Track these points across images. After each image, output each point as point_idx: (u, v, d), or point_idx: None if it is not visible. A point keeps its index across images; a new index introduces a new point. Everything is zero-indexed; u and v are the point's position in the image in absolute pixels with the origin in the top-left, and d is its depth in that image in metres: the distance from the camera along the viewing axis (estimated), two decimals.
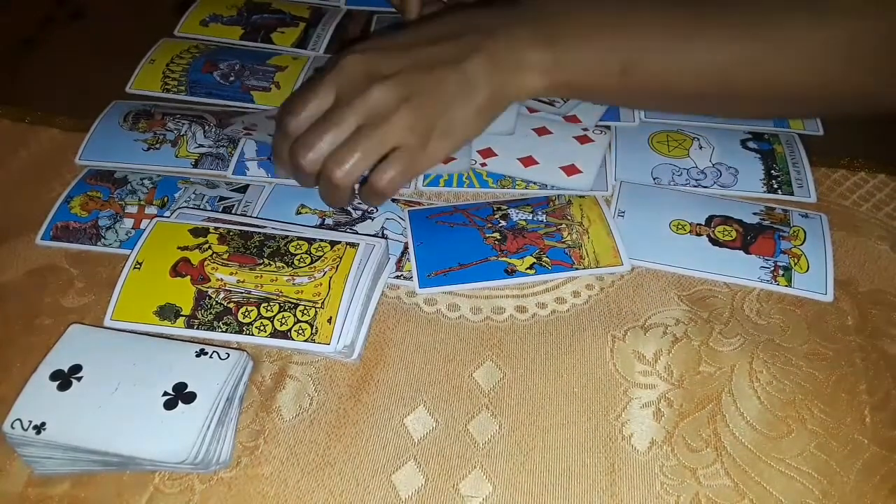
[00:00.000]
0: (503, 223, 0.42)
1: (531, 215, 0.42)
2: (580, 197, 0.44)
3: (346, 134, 0.37)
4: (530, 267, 0.40)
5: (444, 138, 0.38)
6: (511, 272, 0.39)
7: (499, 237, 0.41)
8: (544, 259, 0.40)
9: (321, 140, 0.37)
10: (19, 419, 0.31)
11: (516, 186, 0.45)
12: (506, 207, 0.43)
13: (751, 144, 0.47)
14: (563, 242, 0.41)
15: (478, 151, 0.46)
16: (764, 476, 0.32)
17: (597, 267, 0.40)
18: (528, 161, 0.45)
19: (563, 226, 0.42)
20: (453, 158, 0.45)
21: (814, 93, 0.39)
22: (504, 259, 0.40)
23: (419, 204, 0.44)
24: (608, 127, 0.48)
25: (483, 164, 0.46)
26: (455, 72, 0.38)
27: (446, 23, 0.40)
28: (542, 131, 0.47)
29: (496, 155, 0.46)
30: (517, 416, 0.35)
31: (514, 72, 0.39)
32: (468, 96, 0.38)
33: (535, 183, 0.45)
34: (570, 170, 0.45)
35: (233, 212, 0.43)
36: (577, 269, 0.40)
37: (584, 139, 0.47)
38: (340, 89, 0.38)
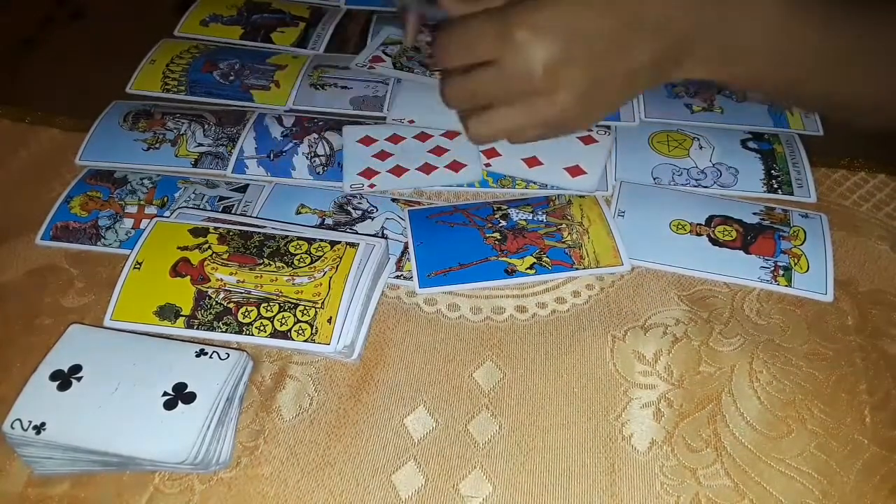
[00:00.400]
0: (503, 223, 0.42)
1: (531, 215, 0.42)
2: (580, 197, 0.44)
3: (487, 100, 0.39)
4: (530, 267, 0.40)
5: (583, 119, 0.41)
6: (511, 272, 0.39)
7: (499, 237, 0.41)
8: (544, 259, 0.40)
9: (465, 91, 0.40)
10: (19, 419, 0.31)
11: (516, 186, 0.45)
12: (506, 207, 0.43)
13: (751, 144, 0.47)
14: (564, 242, 0.41)
15: (482, 152, 0.46)
16: (764, 476, 0.32)
17: (597, 267, 0.40)
18: (532, 161, 0.45)
19: (564, 226, 0.42)
20: (464, 165, 0.45)
21: None
22: (504, 259, 0.40)
23: (419, 204, 0.44)
24: (608, 127, 0.48)
25: (487, 165, 0.46)
26: (630, 61, 0.38)
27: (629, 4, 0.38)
28: None
29: (500, 155, 0.46)
30: (517, 417, 0.35)
31: (677, 66, 0.39)
32: (633, 83, 0.40)
33: (535, 183, 0.45)
34: (575, 171, 0.45)
35: (233, 212, 0.43)
36: (577, 269, 0.40)
37: (588, 140, 0.47)
38: (504, 58, 0.38)
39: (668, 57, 0.38)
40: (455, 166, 0.45)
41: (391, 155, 0.46)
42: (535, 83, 0.37)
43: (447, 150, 0.46)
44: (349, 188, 0.44)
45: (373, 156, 0.46)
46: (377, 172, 0.45)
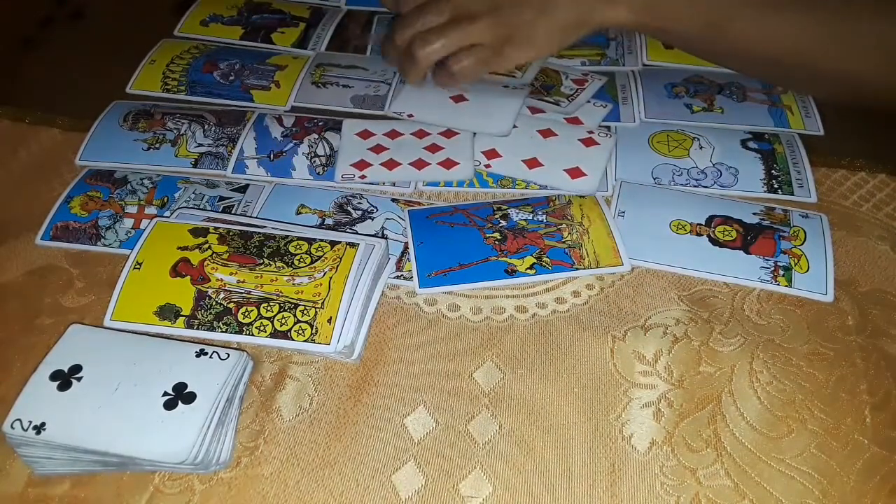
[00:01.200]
0: (503, 223, 0.42)
1: (531, 215, 0.42)
2: (580, 197, 0.44)
3: (437, 22, 0.45)
4: (530, 267, 0.40)
5: (520, 47, 0.44)
6: (511, 272, 0.39)
7: (499, 237, 0.41)
8: (544, 259, 0.40)
9: (416, 20, 0.45)
10: (19, 419, 0.31)
11: (516, 186, 0.45)
12: (506, 207, 0.43)
13: (751, 144, 0.47)
14: (564, 242, 0.41)
15: (482, 152, 0.46)
16: (764, 476, 0.32)
17: (597, 267, 0.40)
18: (532, 163, 0.45)
19: (564, 226, 0.42)
20: (456, 164, 0.45)
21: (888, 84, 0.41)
22: (504, 259, 0.40)
23: (419, 204, 0.44)
24: (608, 127, 0.48)
25: (487, 166, 0.46)
26: None
27: None
28: (546, 133, 0.47)
29: (500, 156, 0.46)
30: (517, 417, 0.35)
31: (600, 4, 0.43)
32: (552, 14, 0.43)
33: (535, 184, 0.45)
34: (575, 172, 0.45)
35: (233, 212, 0.43)
36: (577, 269, 0.39)
37: (589, 142, 0.47)
38: None
39: None
40: (447, 164, 0.45)
41: (386, 149, 0.46)
42: None
43: (442, 148, 0.46)
44: (340, 177, 0.45)
45: (369, 149, 0.46)
46: (370, 164, 0.45)
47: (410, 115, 0.49)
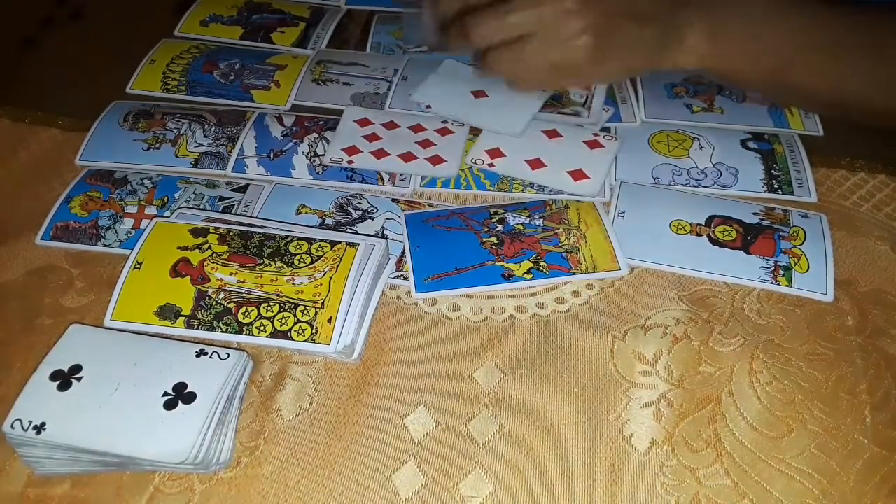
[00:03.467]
0: (500, 227, 0.42)
1: (528, 219, 0.42)
2: (577, 201, 0.44)
3: (519, 32, 0.40)
4: (527, 272, 0.40)
5: (598, 65, 0.42)
6: (508, 277, 0.39)
7: (496, 241, 0.41)
8: (541, 263, 0.40)
9: (500, 25, 0.41)
10: (19, 419, 0.31)
11: (513, 189, 0.45)
12: (503, 211, 0.43)
13: (751, 144, 0.47)
14: (561, 247, 0.41)
15: (486, 151, 0.46)
16: (764, 476, 0.32)
17: (594, 272, 0.40)
18: (535, 163, 0.45)
19: (561, 230, 0.42)
20: (443, 161, 0.45)
21: None
22: (501, 264, 0.40)
23: (419, 205, 0.44)
24: (609, 129, 0.48)
25: (491, 165, 0.46)
26: (632, 29, 0.41)
27: None
28: (552, 134, 0.47)
29: (504, 155, 0.46)
30: (517, 416, 0.35)
31: (673, 49, 0.42)
32: (629, 55, 0.42)
33: (533, 187, 0.45)
34: (578, 174, 0.45)
35: (233, 212, 0.43)
36: (574, 273, 0.39)
37: (594, 144, 0.46)
38: None
39: (665, 35, 0.41)
40: (435, 160, 0.45)
41: (380, 139, 0.47)
42: (566, 9, 0.39)
43: (434, 145, 0.47)
44: (328, 160, 0.45)
45: (363, 136, 0.47)
46: (360, 151, 0.46)
47: (428, 107, 0.49)
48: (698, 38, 0.42)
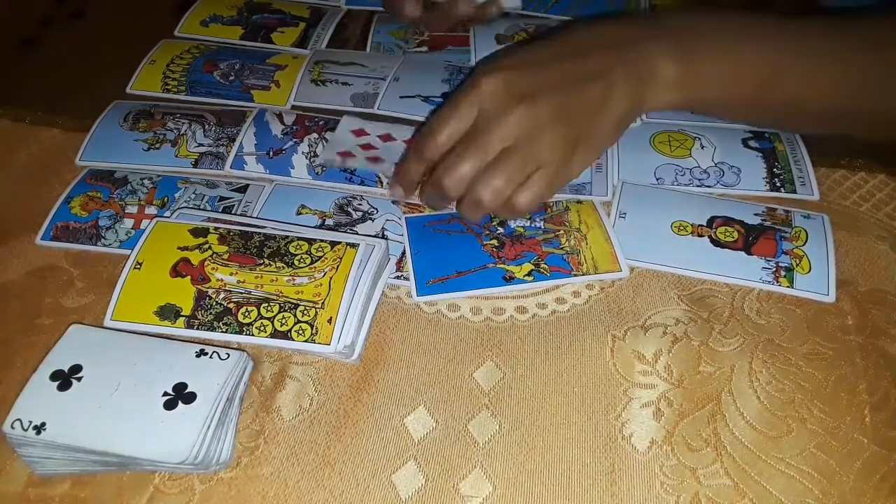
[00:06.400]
0: (501, 230, 0.42)
1: (529, 222, 0.42)
2: (578, 203, 0.44)
3: (491, 157, 0.37)
4: (528, 274, 0.40)
5: (585, 153, 0.38)
6: (509, 279, 0.39)
7: (496, 244, 0.41)
8: (542, 266, 0.40)
9: (466, 163, 0.37)
10: (19, 419, 0.31)
11: None
12: None
13: (752, 143, 0.47)
14: (562, 249, 0.41)
15: None
16: (764, 475, 0.32)
17: (595, 273, 0.40)
18: None
19: (561, 232, 0.42)
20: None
21: None
22: (502, 266, 0.40)
23: (419, 208, 0.44)
24: None
25: None
26: (598, 86, 0.37)
27: (580, 37, 0.39)
28: None
29: None
30: (517, 416, 0.35)
31: (650, 85, 0.39)
32: (609, 109, 0.38)
33: None
34: None
35: (233, 212, 0.43)
36: (575, 275, 0.39)
37: None
38: (482, 110, 0.37)
39: (633, 77, 0.38)
40: None
41: (375, 149, 0.46)
42: (514, 114, 0.36)
43: None
44: (322, 159, 0.46)
45: (358, 144, 0.46)
46: (354, 156, 0.46)
47: (350, 171, 0.47)
48: (672, 68, 0.38)
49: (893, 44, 0.39)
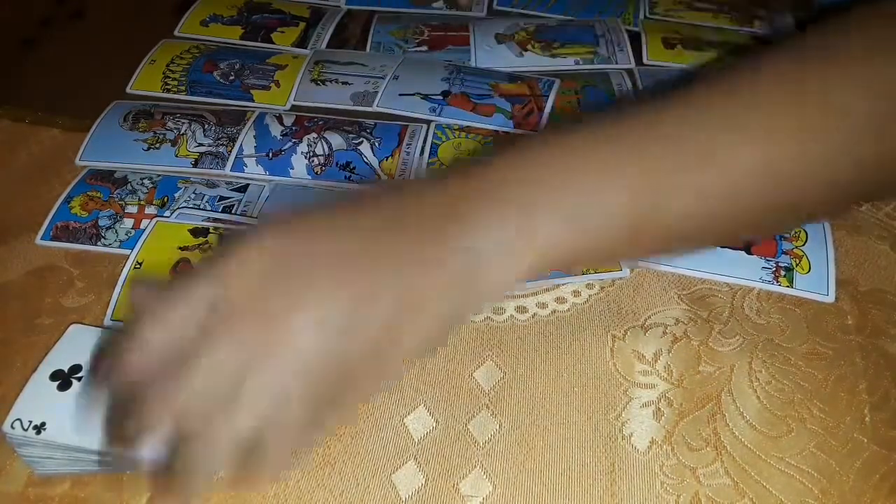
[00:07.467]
0: None
1: None
2: None
3: (228, 388, 0.24)
4: None
5: (364, 384, 0.26)
6: None
7: None
8: None
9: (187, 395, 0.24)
10: (19, 419, 0.31)
11: None
12: None
13: None
14: None
15: None
16: (763, 475, 0.32)
17: (595, 272, 0.40)
18: None
19: None
20: None
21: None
22: None
23: None
24: None
25: None
26: (396, 297, 0.25)
27: (383, 215, 0.26)
28: None
29: None
30: (517, 416, 0.35)
31: (477, 274, 0.26)
32: (419, 316, 0.25)
33: None
34: None
35: (233, 212, 0.43)
36: (575, 274, 0.39)
37: None
38: (228, 301, 0.24)
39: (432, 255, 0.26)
40: None
41: None
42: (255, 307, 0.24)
43: None
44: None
45: None
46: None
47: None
48: (508, 229, 0.26)
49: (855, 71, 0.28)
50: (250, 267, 0.25)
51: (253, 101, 0.51)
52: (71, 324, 0.36)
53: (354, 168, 0.46)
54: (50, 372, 0.33)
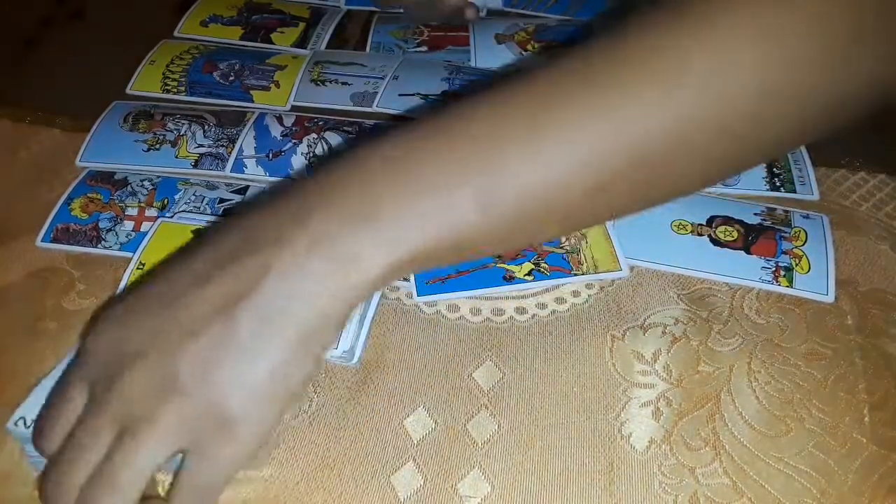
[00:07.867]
0: None
1: None
2: None
3: (103, 452, 0.26)
4: (528, 273, 0.40)
5: (242, 424, 0.26)
6: (509, 279, 0.39)
7: None
8: (542, 265, 0.40)
9: (74, 470, 0.26)
10: (23, 417, 0.31)
11: None
12: None
13: None
14: (562, 248, 0.41)
15: None
16: (762, 475, 0.32)
17: (595, 272, 0.40)
18: None
19: None
20: None
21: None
22: (502, 265, 0.40)
23: None
24: None
25: None
26: (239, 319, 0.25)
27: (214, 247, 0.28)
28: None
29: None
30: (516, 416, 0.35)
31: (327, 280, 0.26)
32: (263, 349, 0.26)
33: None
34: None
35: (233, 213, 0.43)
36: (575, 274, 0.40)
37: None
38: (92, 383, 0.27)
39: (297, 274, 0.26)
40: None
41: None
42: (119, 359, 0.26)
43: None
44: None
45: None
46: None
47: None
48: (352, 232, 0.26)
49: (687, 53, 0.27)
50: (102, 342, 0.28)
51: (253, 101, 0.51)
52: (73, 326, 0.36)
53: None
54: (59, 375, 0.33)
